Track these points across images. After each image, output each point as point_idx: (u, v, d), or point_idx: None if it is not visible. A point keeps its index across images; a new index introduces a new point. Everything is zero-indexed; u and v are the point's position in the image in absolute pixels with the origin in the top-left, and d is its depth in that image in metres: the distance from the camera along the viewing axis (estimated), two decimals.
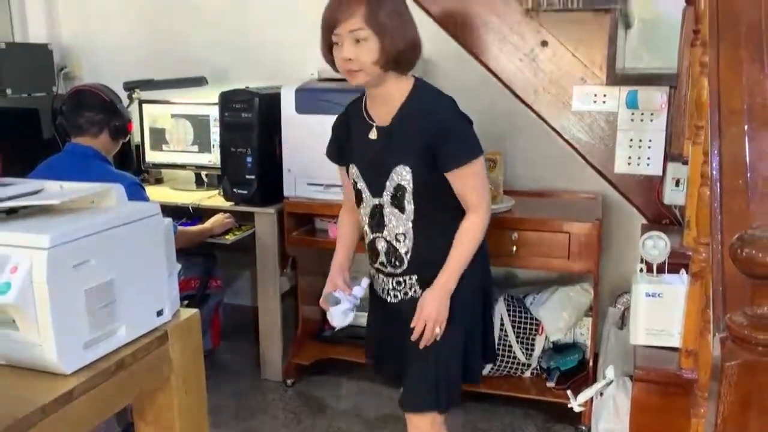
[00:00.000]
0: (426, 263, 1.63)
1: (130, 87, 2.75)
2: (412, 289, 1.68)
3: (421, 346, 1.60)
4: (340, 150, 1.72)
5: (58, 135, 2.57)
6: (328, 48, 1.54)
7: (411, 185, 1.57)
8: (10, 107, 2.92)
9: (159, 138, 2.95)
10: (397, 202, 1.60)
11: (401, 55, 1.52)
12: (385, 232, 1.65)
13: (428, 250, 1.62)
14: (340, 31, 1.49)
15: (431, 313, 1.58)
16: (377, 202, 1.64)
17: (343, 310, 1.64)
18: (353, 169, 1.66)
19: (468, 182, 1.58)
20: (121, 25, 3.16)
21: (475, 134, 1.63)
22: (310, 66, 2.56)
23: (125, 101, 2.47)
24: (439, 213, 1.62)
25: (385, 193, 1.61)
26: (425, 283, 1.63)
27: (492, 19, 2.10)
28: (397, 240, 1.64)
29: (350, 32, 1.49)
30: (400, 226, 1.62)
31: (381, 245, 1.67)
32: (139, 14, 3.12)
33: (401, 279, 1.67)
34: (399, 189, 1.59)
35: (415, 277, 1.66)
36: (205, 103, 2.83)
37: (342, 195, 1.83)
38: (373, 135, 1.62)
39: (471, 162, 1.57)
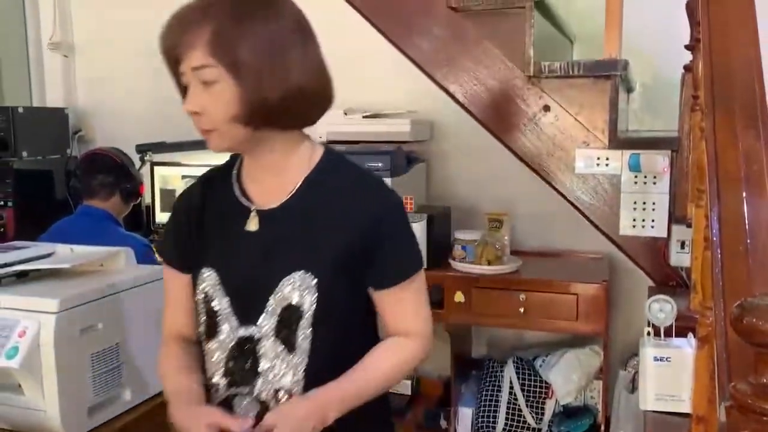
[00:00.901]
0: None
1: (143, 150, 2.82)
2: None
3: None
4: (182, 246, 1.12)
5: (71, 197, 2.62)
6: (183, 89, 1.04)
7: (313, 306, 1.01)
8: (25, 169, 2.98)
9: (170, 199, 2.99)
10: (287, 333, 1.02)
11: (277, 107, 0.99)
12: (258, 386, 1.04)
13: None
14: (183, 68, 0.99)
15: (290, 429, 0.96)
16: (247, 334, 1.04)
17: None
18: (206, 278, 1.06)
19: (408, 303, 1.09)
20: (134, 89, 3.25)
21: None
22: (318, 129, 2.62)
23: (137, 163, 2.52)
24: (352, 357, 1.06)
25: (264, 318, 1.03)
26: None
27: (495, 85, 2.15)
28: (277, 399, 1.03)
29: (193, 70, 0.98)
30: (286, 374, 1.03)
31: (244, 407, 1.05)
32: (152, 79, 3.20)
33: None
34: (290, 312, 1.02)
35: None
36: (216, 164, 2.88)
37: (164, 321, 1.15)
38: (252, 224, 1.06)
39: (416, 274, 1.09)
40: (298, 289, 1.01)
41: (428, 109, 2.61)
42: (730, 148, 0.96)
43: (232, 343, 1.05)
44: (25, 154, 2.94)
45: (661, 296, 1.50)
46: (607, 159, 2.12)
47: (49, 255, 1.30)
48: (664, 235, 2.14)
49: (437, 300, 2.28)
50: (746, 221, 0.87)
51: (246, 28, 0.96)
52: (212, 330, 1.06)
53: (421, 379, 2.72)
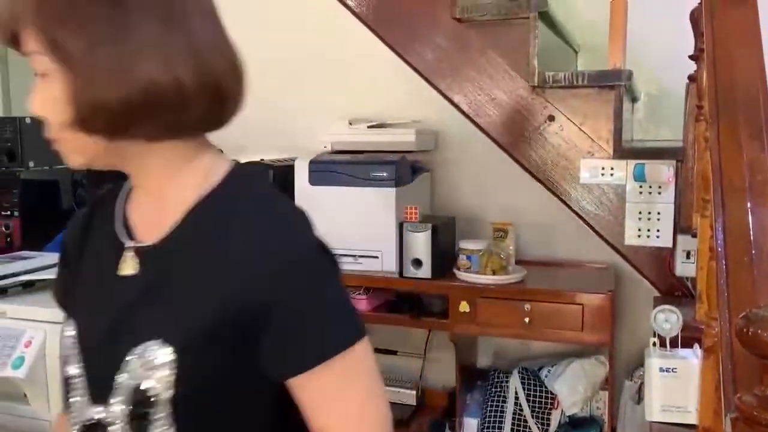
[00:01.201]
0: None
1: None
2: None
3: None
4: (65, 288, 0.89)
5: (77, 207, 2.63)
6: None
7: (170, 391, 0.72)
8: (32, 179, 3.00)
9: None
10: (139, 424, 0.73)
11: (122, 111, 0.71)
12: None
13: None
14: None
15: None
16: (96, 416, 0.76)
17: None
18: (67, 335, 0.81)
19: (338, 393, 0.74)
20: None
21: (345, 290, 0.80)
22: (323, 138, 2.62)
23: None
24: None
25: (114, 399, 0.74)
26: None
27: (499, 95, 2.16)
28: None
29: (28, 57, 0.76)
30: None
31: None
32: None
33: None
34: (141, 396, 0.73)
35: None
36: None
37: None
38: (126, 266, 0.78)
39: (348, 350, 0.74)
40: (146, 366, 0.71)
41: (433, 118, 2.62)
42: (734, 157, 0.96)
43: (81, 426, 0.78)
44: (31, 164, 2.95)
45: (667, 306, 1.49)
46: (612, 169, 2.12)
47: (55, 265, 1.31)
48: (670, 245, 2.13)
49: (442, 310, 2.28)
50: (751, 231, 0.87)
51: (77, 1, 0.70)
52: (67, 403, 0.81)
53: (426, 390, 2.71)
